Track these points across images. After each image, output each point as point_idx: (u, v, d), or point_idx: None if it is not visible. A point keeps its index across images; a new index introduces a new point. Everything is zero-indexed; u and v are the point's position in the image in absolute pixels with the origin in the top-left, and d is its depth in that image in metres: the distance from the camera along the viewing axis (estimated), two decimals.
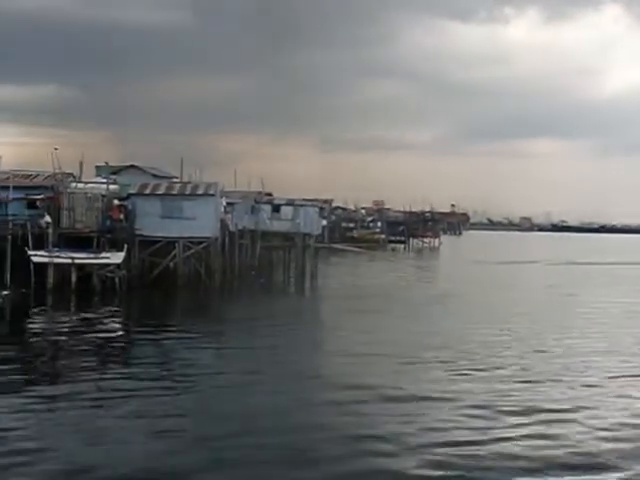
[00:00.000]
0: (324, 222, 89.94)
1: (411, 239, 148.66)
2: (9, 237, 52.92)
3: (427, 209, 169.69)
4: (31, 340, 37.24)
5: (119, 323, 45.26)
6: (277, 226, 73.27)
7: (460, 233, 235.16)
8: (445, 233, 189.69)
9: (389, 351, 34.30)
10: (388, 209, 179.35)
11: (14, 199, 55.41)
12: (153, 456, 19.62)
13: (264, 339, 38.28)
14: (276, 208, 73.68)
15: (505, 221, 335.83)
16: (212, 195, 60.22)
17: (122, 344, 37.87)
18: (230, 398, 26.06)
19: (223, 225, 62.83)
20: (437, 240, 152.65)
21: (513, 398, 26.11)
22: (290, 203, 74.61)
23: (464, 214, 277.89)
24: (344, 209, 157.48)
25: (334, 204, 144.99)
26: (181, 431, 21.80)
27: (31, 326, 41.69)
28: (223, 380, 28.83)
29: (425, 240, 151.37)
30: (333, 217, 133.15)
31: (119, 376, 28.95)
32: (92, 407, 24.02)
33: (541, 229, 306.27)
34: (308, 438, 21.24)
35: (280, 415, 23.53)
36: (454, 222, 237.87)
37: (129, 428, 22.02)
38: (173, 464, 19.09)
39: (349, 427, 22.34)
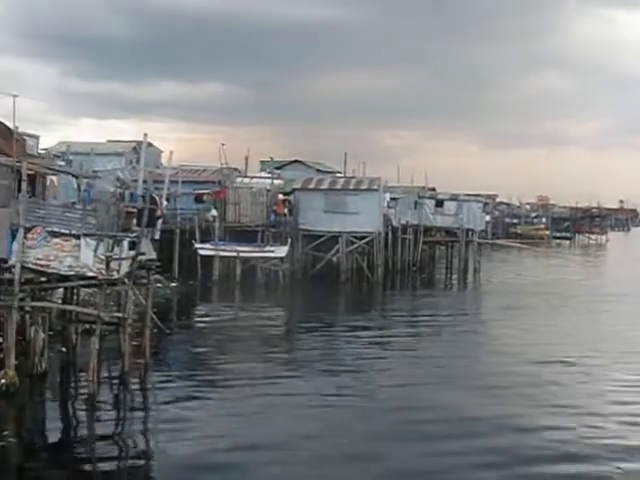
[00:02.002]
0: (487, 217, 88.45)
1: (577, 235, 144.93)
2: (177, 231, 54.25)
3: (594, 204, 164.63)
4: (198, 330, 37.93)
5: (283, 315, 45.72)
6: (440, 221, 72.56)
7: (628, 230, 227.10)
8: (612, 229, 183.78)
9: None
10: (553, 205, 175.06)
11: (183, 193, 56.70)
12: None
13: (426, 334, 38.05)
14: (439, 203, 72.87)
15: None
16: (376, 190, 60.08)
17: (287, 336, 38.20)
18: (397, 391, 25.99)
19: (386, 220, 62.62)
20: (604, 237, 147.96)
21: None
22: (454, 198, 73.66)
23: (633, 210, 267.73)
24: (508, 205, 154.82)
25: (498, 199, 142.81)
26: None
27: (198, 317, 42.54)
28: (390, 371, 28.91)
29: (591, 236, 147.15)
30: (497, 212, 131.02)
31: (286, 368, 29.22)
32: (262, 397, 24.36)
33: None
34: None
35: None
36: (622, 218, 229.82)
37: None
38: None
39: None
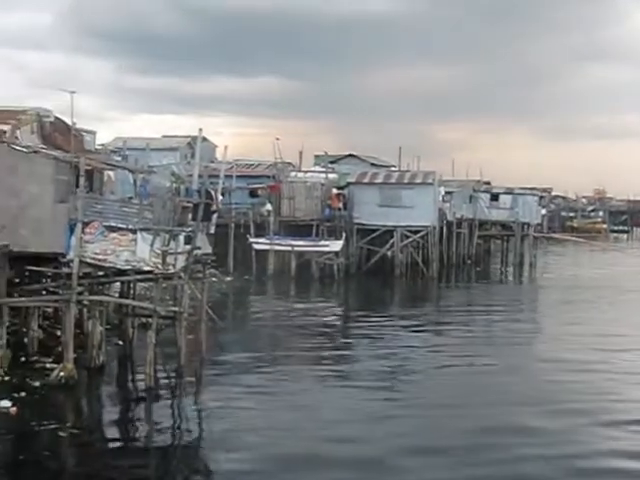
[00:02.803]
0: (543, 211, 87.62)
1: (635, 229, 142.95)
2: (232, 225, 54.49)
3: None
4: (253, 324, 38.10)
5: (338, 309, 45.72)
6: (495, 215, 72.28)
7: None
8: None
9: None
10: (610, 198, 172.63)
11: (237, 188, 56.93)
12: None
13: (480, 328, 37.85)
14: (494, 197, 72.58)
15: None
16: (430, 184, 59.84)
17: (341, 330, 38.19)
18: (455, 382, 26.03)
19: (441, 214, 62.37)
20: None
21: None
22: (509, 192, 73.28)
23: None
24: (564, 198, 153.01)
25: (553, 193, 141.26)
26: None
27: (253, 311, 42.75)
28: (447, 362, 28.94)
29: None
30: (552, 206, 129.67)
31: (339, 362, 29.29)
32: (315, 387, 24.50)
33: None
34: None
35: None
36: None
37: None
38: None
39: None
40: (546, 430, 20.54)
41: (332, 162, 74.87)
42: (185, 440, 20.27)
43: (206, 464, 18.59)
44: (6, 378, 22.63)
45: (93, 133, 44.23)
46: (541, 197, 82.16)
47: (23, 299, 25.03)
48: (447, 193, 67.22)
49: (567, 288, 56.12)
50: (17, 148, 24.07)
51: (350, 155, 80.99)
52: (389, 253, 59.40)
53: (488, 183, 79.39)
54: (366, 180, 61.03)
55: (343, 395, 24.14)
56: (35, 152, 24.32)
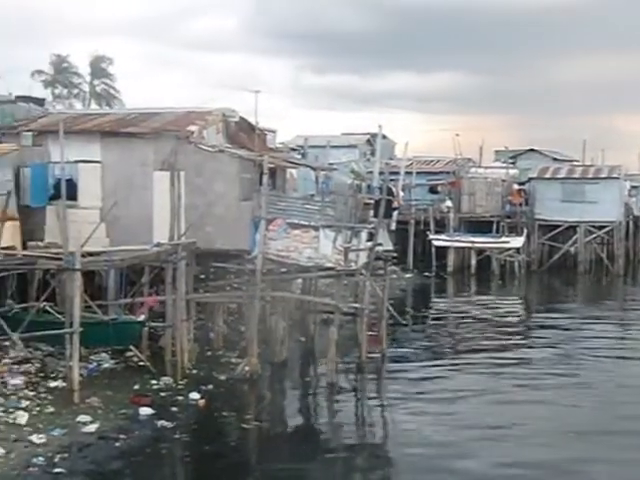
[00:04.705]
0: None
1: None
2: (412, 221, 54.38)
3: None
4: (433, 322, 37.93)
5: (520, 307, 44.93)
6: None
7: None
8: None
9: None
10: None
11: (417, 184, 56.83)
12: None
13: None
14: None
15: None
16: (616, 178, 57.98)
17: (523, 328, 37.42)
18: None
19: (627, 209, 60.30)
20: None
21: None
22: None
23: None
24: None
25: None
26: None
27: (433, 308, 42.59)
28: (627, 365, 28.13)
29: None
30: None
31: (521, 360, 28.78)
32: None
33: None
34: None
35: None
36: None
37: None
38: None
39: None
40: None
41: (513, 157, 73.82)
42: (367, 435, 20.41)
43: (388, 459, 18.65)
44: (194, 371, 23.32)
45: (274, 132, 45.07)
46: None
47: (209, 295, 25.75)
48: (633, 187, 64.97)
49: None
50: (204, 148, 24.75)
51: (531, 150, 79.36)
52: (572, 249, 57.88)
53: None
54: (548, 175, 59.72)
55: (523, 394, 23.72)
56: (221, 151, 24.94)
